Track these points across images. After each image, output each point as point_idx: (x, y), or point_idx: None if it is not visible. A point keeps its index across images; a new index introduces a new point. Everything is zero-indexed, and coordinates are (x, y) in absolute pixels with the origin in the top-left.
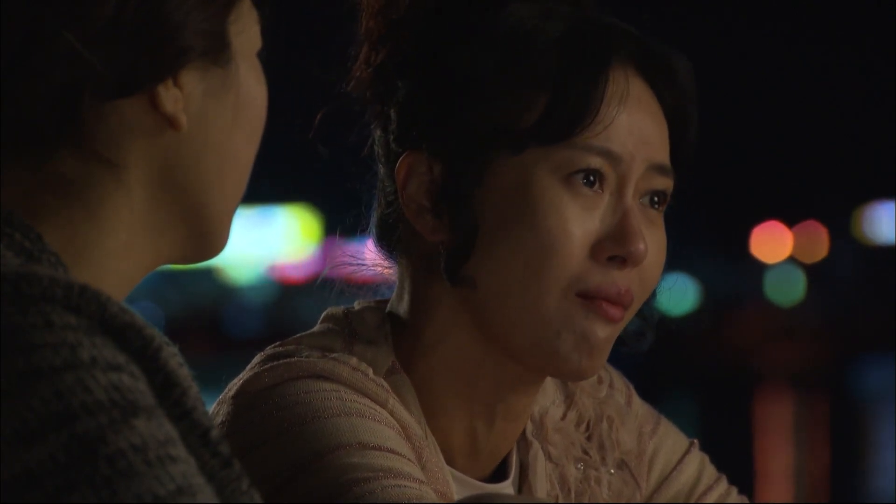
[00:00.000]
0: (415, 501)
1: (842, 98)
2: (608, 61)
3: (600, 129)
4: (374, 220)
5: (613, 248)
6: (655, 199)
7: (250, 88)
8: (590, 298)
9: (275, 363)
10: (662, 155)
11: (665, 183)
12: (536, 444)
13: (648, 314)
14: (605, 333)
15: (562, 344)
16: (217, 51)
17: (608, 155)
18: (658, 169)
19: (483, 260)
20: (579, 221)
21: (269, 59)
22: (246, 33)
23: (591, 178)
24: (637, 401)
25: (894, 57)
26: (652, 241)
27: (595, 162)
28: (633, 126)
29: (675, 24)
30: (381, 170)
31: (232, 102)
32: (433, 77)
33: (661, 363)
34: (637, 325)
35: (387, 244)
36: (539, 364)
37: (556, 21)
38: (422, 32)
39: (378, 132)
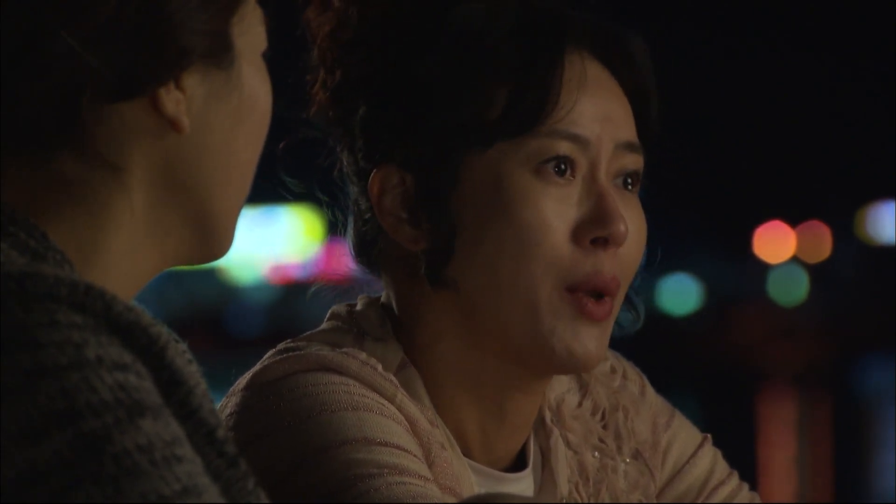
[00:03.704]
0: (419, 500)
1: (845, 98)
2: (562, 47)
3: (563, 115)
4: (351, 237)
5: (595, 230)
6: (628, 179)
7: (253, 90)
8: (577, 294)
9: (285, 355)
10: (629, 132)
11: (635, 161)
12: (556, 431)
13: (635, 298)
14: (593, 335)
15: (557, 341)
16: (219, 52)
17: (575, 139)
18: (626, 146)
19: (465, 261)
20: (556, 211)
21: (274, 59)
22: (250, 34)
23: (562, 165)
24: (650, 391)
25: None
26: (631, 221)
27: (563, 148)
28: (596, 108)
29: (680, 24)
30: (354, 189)
31: (235, 104)
32: (392, 89)
33: (665, 362)
34: (625, 311)
35: (367, 259)
36: (537, 362)
37: (505, 15)
38: (373, 49)
39: (345, 153)
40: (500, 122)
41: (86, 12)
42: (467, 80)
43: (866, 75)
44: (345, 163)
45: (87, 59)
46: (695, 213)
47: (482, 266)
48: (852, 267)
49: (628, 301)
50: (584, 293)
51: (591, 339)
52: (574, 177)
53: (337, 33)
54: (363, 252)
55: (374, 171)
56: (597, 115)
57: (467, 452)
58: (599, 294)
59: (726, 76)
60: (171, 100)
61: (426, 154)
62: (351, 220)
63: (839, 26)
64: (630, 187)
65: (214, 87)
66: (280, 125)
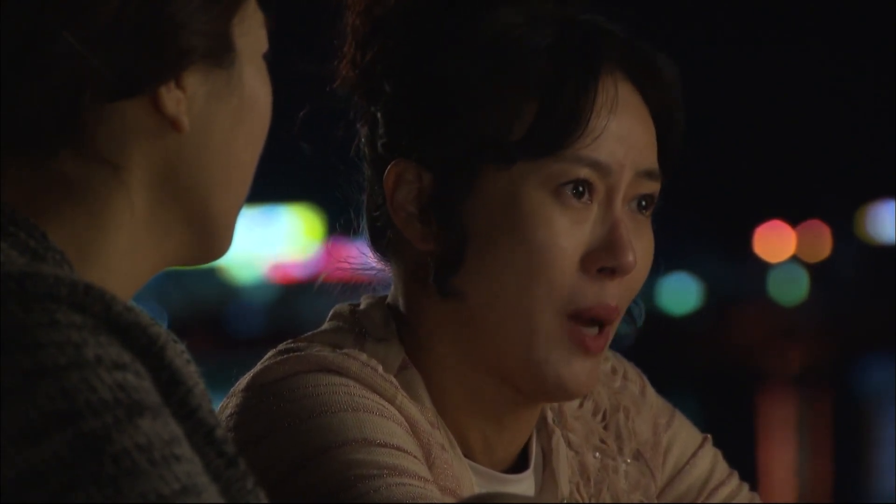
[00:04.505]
0: (419, 500)
1: (845, 97)
2: (598, 70)
3: (590, 141)
4: (364, 221)
5: (604, 259)
6: (643, 203)
7: (254, 90)
8: (576, 326)
9: (285, 356)
10: (650, 160)
11: (653, 187)
12: (558, 432)
13: (635, 311)
14: (586, 366)
15: (549, 369)
16: (221, 52)
17: (597, 166)
18: (646, 174)
19: (472, 272)
20: (569, 235)
21: (274, 57)
22: (251, 35)
23: (580, 188)
24: (651, 391)
25: None
26: (639, 248)
27: (584, 173)
28: (622, 133)
29: (680, 23)
30: (368, 170)
31: (235, 104)
32: (420, 82)
33: (665, 362)
34: (622, 322)
35: (378, 245)
36: (528, 386)
37: (544, 27)
38: (408, 34)
39: (365, 130)
40: (525, 141)
41: (87, 12)
42: (497, 89)
43: (866, 75)
44: (363, 141)
45: (89, 59)
46: (695, 212)
47: (488, 280)
48: (852, 266)
49: (629, 316)
50: (584, 324)
51: (583, 371)
52: (591, 201)
53: (373, 10)
54: (374, 238)
55: (392, 162)
56: (622, 141)
57: (468, 453)
58: (599, 323)
59: (726, 76)
60: (171, 99)
61: (446, 157)
62: (364, 199)
63: (839, 26)
64: (644, 211)
65: (215, 87)
66: (295, 119)
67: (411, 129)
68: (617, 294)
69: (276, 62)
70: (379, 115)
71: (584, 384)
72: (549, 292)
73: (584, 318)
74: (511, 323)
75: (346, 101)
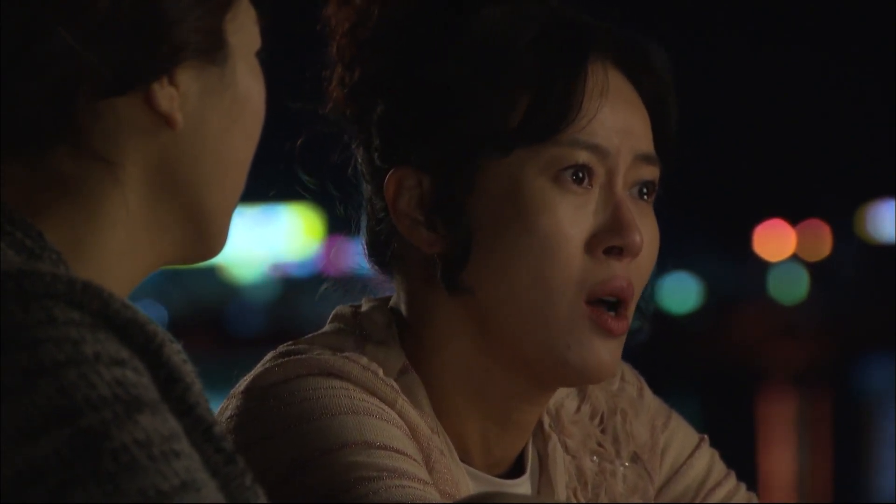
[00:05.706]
0: (418, 502)
1: (845, 96)
2: (586, 56)
3: (584, 124)
4: (364, 237)
5: (610, 239)
6: (644, 189)
7: (248, 87)
8: (597, 308)
9: (286, 359)
10: (647, 144)
11: (652, 172)
12: (555, 437)
13: (644, 307)
14: (609, 347)
15: (572, 354)
16: (213, 49)
17: (594, 149)
18: (644, 158)
19: (481, 267)
20: (572, 220)
21: (272, 57)
22: (244, 32)
23: (580, 173)
24: (648, 393)
25: None
26: (645, 231)
27: (582, 157)
28: (616, 118)
29: (680, 23)
30: (368, 188)
31: (229, 101)
32: (411, 91)
33: (665, 361)
34: (634, 319)
35: (380, 259)
36: (548, 374)
37: (529, 21)
38: (393, 48)
39: (360, 151)
40: (521, 129)
41: (83, 9)
42: (489, 85)
43: (866, 75)
44: (360, 160)
45: (85, 56)
46: (695, 211)
47: (498, 273)
48: (852, 265)
49: (637, 310)
50: (603, 306)
51: (605, 352)
52: (591, 186)
53: (357, 30)
54: (376, 252)
55: (391, 171)
56: (617, 125)
57: (466, 458)
58: (615, 301)
59: (726, 76)
60: (164, 96)
61: (443, 157)
62: (364, 218)
63: (839, 26)
64: (645, 197)
65: (208, 84)
66: (293, 120)
67: (406, 135)
68: (627, 273)
69: (271, 62)
70: (373, 129)
71: (607, 366)
72: (562, 278)
73: (601, 298)
74: (526, 313)
75: (339, 125)
